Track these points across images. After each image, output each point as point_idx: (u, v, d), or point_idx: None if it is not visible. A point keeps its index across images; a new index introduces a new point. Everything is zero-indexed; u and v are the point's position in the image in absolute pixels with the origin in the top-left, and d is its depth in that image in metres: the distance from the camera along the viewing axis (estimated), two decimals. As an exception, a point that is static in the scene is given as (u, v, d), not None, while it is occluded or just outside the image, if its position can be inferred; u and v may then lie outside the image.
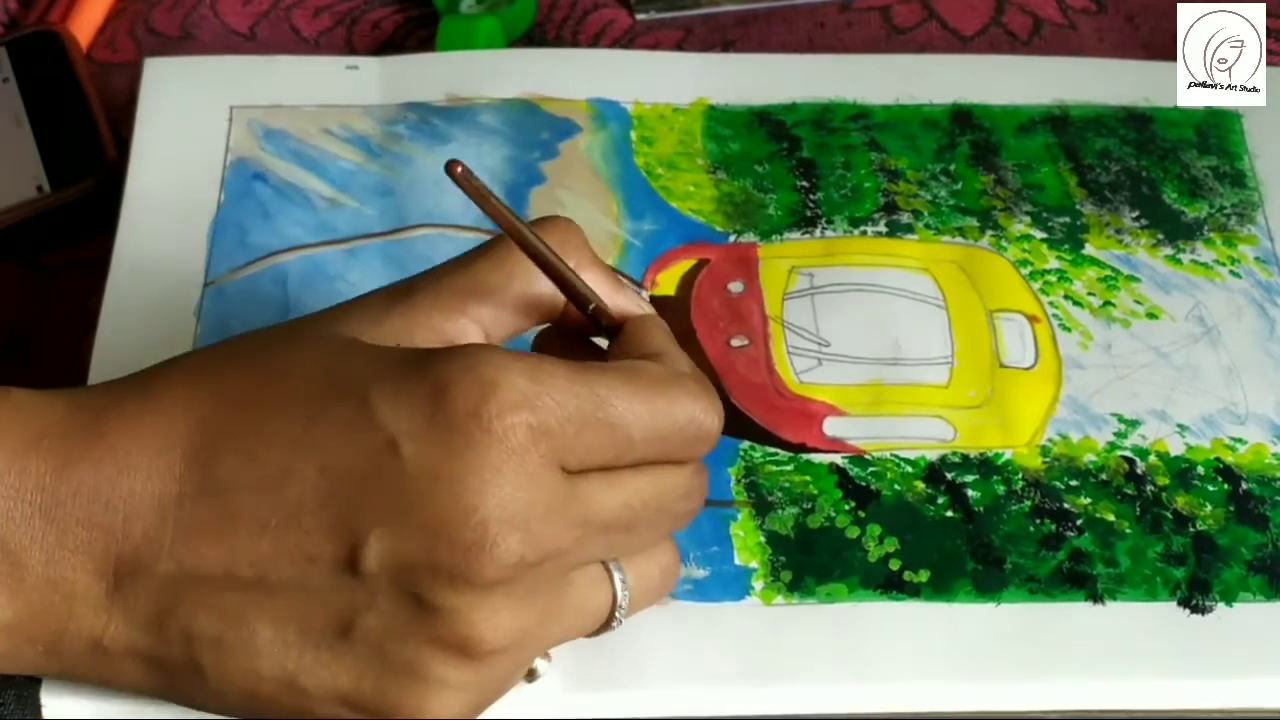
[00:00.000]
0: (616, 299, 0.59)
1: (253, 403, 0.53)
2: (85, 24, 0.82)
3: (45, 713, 0.59)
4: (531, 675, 0.57)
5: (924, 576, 0.64)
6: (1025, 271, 0.73)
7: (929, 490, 0.66)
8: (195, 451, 0.53)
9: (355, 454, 0.51)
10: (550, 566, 0.52)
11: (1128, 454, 0.67)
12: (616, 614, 0.57)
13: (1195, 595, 0.63)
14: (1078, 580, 0.64)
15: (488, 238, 0.73)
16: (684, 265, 0.73)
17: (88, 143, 0.76)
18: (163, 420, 0.54)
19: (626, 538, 0.55)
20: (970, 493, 0.66)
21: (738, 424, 0.67)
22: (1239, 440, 0.68)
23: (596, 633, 0.57)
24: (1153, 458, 0.67)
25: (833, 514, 0.65)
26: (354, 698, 0.53)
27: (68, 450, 0.53)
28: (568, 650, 0.59)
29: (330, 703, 0.53)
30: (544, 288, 0.58)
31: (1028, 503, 0.66)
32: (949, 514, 0.65)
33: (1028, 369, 0.70)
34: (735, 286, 0.72)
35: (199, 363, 0.56)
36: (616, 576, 0.56)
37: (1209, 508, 0.66)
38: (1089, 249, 0.74)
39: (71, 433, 0.54)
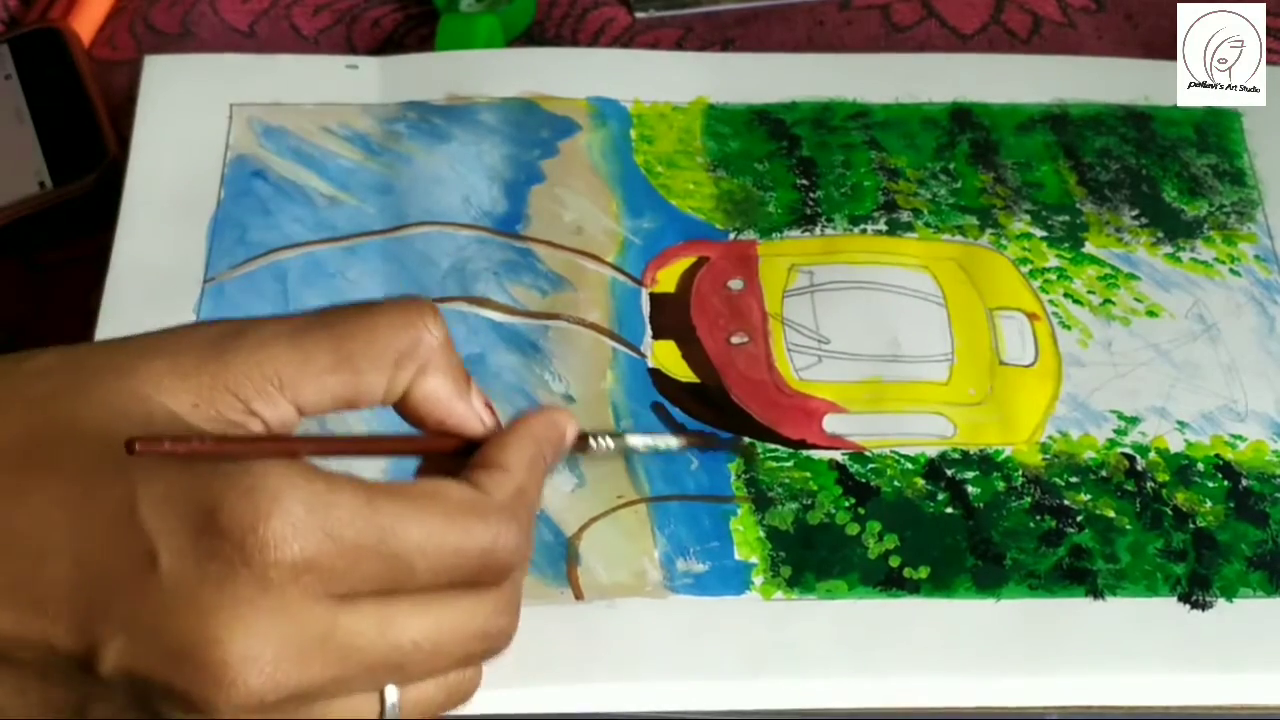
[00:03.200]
0: (454, 414, 0.55)
1: (24, 460, 0.50)
2: (86, 21, 0.82)
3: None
4: None
5: (924, 573, 0.64)
6: (1025, 269, 0.73)
7: (929, 487, 0.66)
8: None
9: (113, 553, 0.48)
10: (299, 702, 0.49)
11: (1128, 451, 0.67)
12: None
13: (1195, 591, 0.63)
14: (1078, 576, 0.64)
15: (489, 236, 0.73)
16: (684, 263, 0.73)
17: (89, 139, 0.76)
18: None
19: (400, 674, 0.51)
20: (970, 489, 0.66)
21: (738, 421, 0.68)
22: (1239, 437, 0.68)
23: None
24: (1153, 454, 0.67)
25: (833, 510, 0.65)
26: None
27: None
28: (562, 641, 0.59)
29: None
30: (375, 379, 0.53)
31: (1028, 499, 0.66)
32: (949, 510, 0.65)
33: (1028, 366, 0.70)
34: (735, 284, 0.72)
35: None
36: (390, 698, 0.52)
37: (1209, 504, 0.66)
38: (1089, 247, 0.74)
39: None
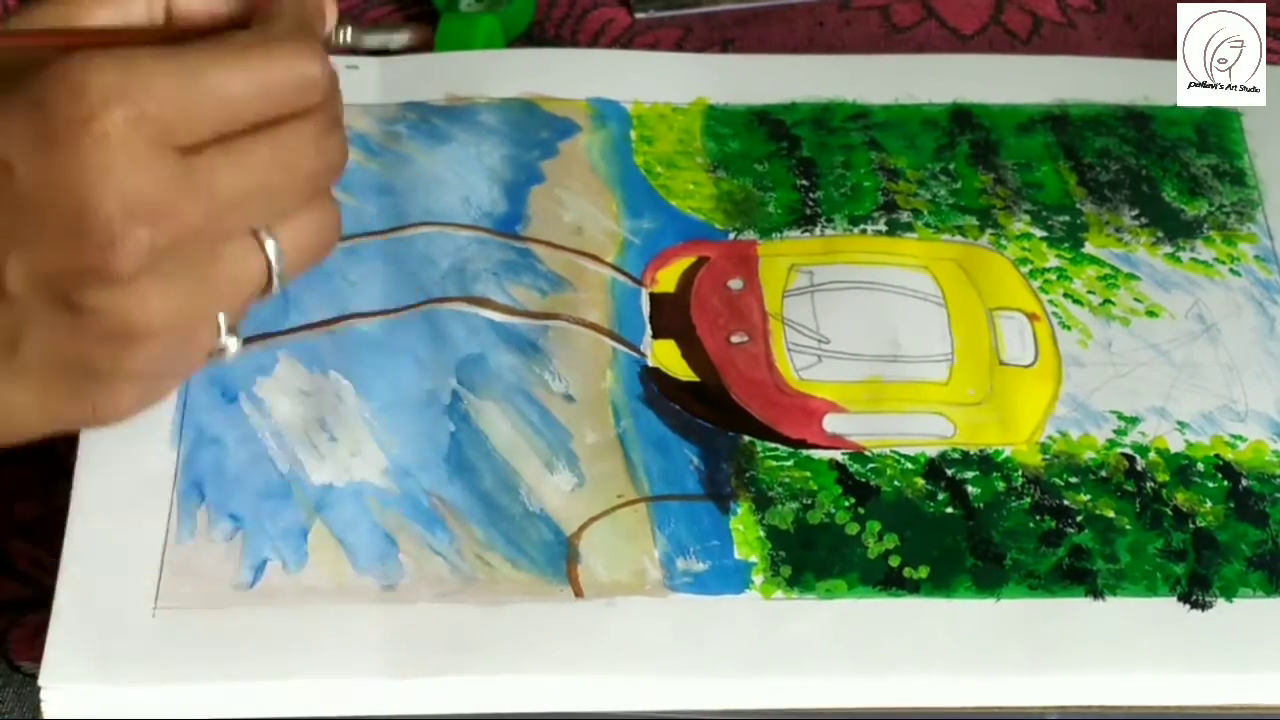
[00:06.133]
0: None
1: None
2: (85, 22, 0.82)
3: (45, 711, 0.59)
4: (220, 353, 0.57)
5: (924, 573, 0.64)
6: (1025, 270, 0.73)
7: (929, 487, 0.66)
8: None
9: None
10: (188, 246, 0.53)
11: (1127, 451, 0.67)
12: (274, 279, 0.57)
13: (1195, 591, 0.63)
14: (1078, 576, 0.64)
15: (488, 237, 0.73)
16: (684, 262, 0.73)
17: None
18: None
19: (264, 204, 0.55)
20: (970, 489, 0.66)
21: (738, 419, 0.68)
22: (1239, 437, 0.68)
23: (260, 298, 0.57)
24: (1152, 454, 0.67)
25: (832, 510, 0.65)
26: (43, 410, 0.55)
27: None
28: (562, 639, 0.60)
29: (25, 418, 0.55)
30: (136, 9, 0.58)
31: (1027, 499, 0.66)
32: (949, 510, 0.65)
33: (1027, 366, 0.70)
34: (735, 284, 0.72)
35: None
36: (269, 243, 0.56)
37: (1209, 504, 0.66)
38: (1089, 247, 0.74)
39: None
